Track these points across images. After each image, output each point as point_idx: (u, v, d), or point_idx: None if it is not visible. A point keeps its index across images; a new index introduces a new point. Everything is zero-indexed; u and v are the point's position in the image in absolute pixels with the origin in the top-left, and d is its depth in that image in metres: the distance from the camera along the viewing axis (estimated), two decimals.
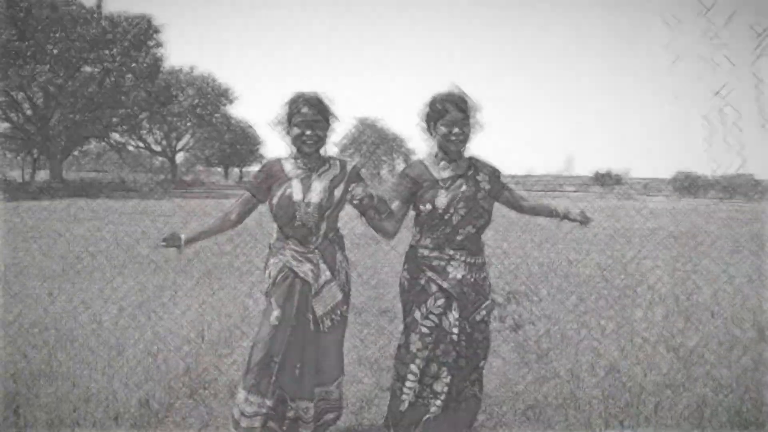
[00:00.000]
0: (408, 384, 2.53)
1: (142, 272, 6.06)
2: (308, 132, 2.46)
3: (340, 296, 2.54)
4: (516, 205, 2.73)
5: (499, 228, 12.93)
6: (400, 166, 42.41)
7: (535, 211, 2.78)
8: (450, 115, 2.47)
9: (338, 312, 2.55)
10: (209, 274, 6.09)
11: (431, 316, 2.51)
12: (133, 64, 28.92)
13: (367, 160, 41.05)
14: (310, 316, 2.47)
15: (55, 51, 26.25)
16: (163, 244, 2.51)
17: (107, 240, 8.49)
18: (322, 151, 2.60)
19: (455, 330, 2.48)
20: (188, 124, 50.15)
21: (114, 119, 30.13)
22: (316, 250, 2.48)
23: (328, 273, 2.50)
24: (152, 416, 3.08)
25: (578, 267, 6.95)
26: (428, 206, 2.50)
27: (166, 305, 4.73)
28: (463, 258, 2.53)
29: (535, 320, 4.41)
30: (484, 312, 2.58)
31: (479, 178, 2.59)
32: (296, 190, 2.45)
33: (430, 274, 2.53)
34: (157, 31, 29.78)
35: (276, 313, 2.45)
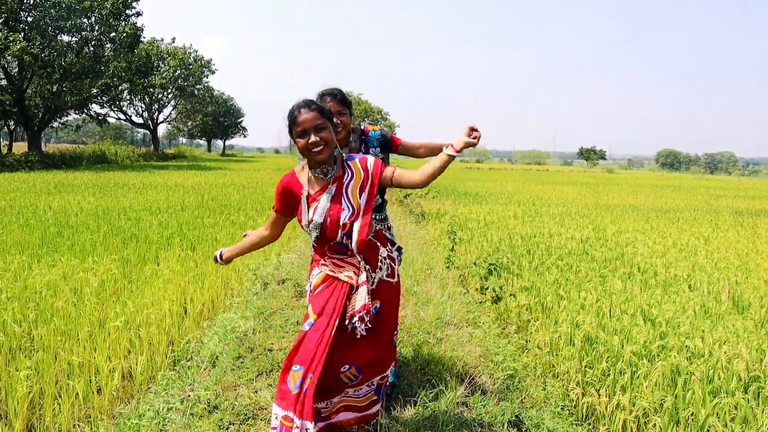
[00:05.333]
0: None
1: (124, 245, 6.00)
2: (312, 139, 2.16)
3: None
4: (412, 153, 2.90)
5: (482, 201, 13.00)
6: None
7: (432, 152, 2.87)
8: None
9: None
10: (192, 247, 6.05)
11: None
12: (113, 34, 28.05)
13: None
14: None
15: (29, 18, 25.36)
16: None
17: (88, 212, 8.37)
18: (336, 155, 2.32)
19: None
20: (170, 95, 49.28)
21: (93, 90, 29.33)
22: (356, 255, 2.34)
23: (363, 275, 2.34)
24: (135, 388, 3.09)
25: (559, 240, 7.02)
26: None
27: (148, 278, 4.71)
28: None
29: (516, 292, 4.47)
30: None
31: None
32: (319, 211, 2.24)
33: None
34: None
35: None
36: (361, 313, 2.26)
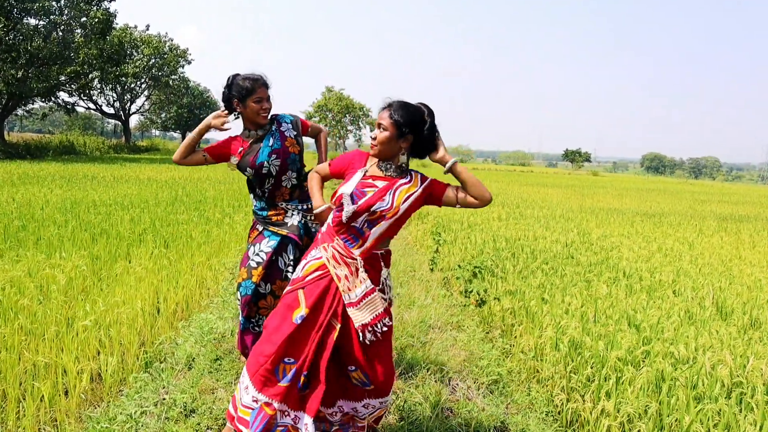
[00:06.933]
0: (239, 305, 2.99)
1: (93, 241, 5.77)
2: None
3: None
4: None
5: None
6: (365, 135, 42.26)
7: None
8: (258, 93, 2.79)
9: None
10: (165, 244, 5.86)
11: (261, 254, 2.87)
12: (83, 19, 27.16)
13: (332, 128, 40.45)
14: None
15: None
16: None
17: (54, 206, 8.05)
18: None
19: (290, 268, 2.88)
20: (143, 85, 48.11)
21: (62, 77, 28.35)
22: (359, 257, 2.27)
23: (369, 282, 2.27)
24: (105, 390, 2.94)
25: (544, 243, 7.02)
26: (249, 170, 2.83)
27: (119, 275, 4.52)
28: (296, 206, 2.92)
29: (501, 296, 4.43)
30: None
31: (283, 128, 2.91)
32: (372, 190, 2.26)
33: (271, 228, 2.89)
34: None
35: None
36: (374, 325, 2.22)
